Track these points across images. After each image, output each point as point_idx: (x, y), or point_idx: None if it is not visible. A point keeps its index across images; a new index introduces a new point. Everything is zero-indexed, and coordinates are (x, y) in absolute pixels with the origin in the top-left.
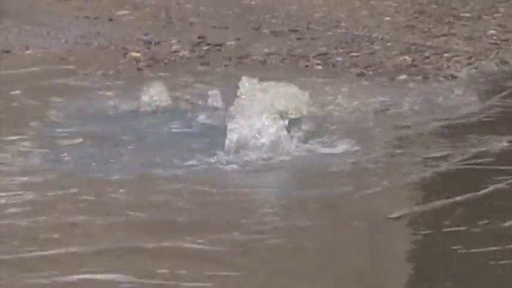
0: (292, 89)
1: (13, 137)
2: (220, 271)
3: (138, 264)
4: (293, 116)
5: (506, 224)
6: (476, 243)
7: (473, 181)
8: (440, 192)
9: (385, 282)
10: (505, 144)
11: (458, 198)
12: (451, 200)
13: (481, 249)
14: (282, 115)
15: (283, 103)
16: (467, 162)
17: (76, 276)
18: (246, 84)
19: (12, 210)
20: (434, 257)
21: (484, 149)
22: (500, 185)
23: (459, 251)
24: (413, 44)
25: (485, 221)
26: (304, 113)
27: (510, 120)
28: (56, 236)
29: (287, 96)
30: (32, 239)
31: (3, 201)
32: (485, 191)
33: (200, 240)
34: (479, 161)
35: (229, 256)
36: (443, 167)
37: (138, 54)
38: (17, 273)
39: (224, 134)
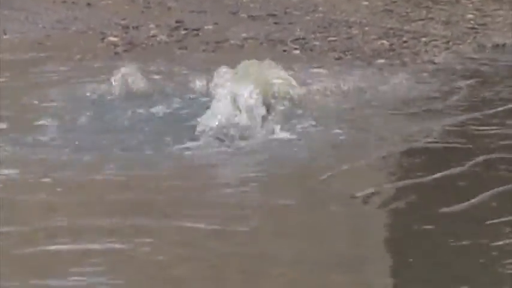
0: (270, 71)
1: None
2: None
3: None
4: (269, 100)
5: (472, 201)
6: (446, 222)
7: (440, 160)
8: (409, 171)
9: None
10: (479, 126)
11: (428, 177)
12: (419, 180)
13: (450, 230)
14: (259, 100)
15: (260, 88)
16: (434, 141)
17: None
18: (223, 73)
19: None
20: (407, 237)
21: (448, 128)
22: (465, 166)
23: (431, 230)
24: (391, 28)
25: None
26: (282, 97)
27: (476, 104)
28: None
29: (264, 80)
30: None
31: None
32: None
33: (177, 222)
34: (445, 140)
35: (206, 239)
36: (413, 145)
37: (115, 39)
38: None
39: (200, 119)
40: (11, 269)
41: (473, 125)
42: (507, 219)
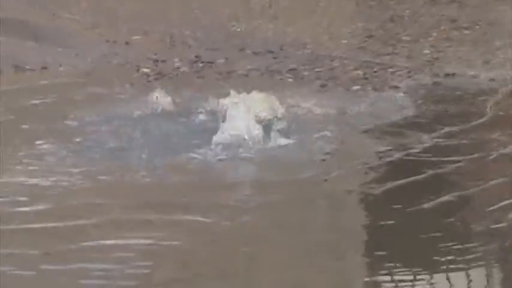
0: (269, 97)
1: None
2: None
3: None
4: (269, 117)
5: (439, 200)
6: (417, 218)
7: (412, 168)
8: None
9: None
10: (435, 140)
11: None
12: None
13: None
14: (261, 117)
15: (262, 108)
16: (407, 153)
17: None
18: (232, 96)
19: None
20: (383, 228)
21: (417, 143)
22: (433, 172)
23: (404, 222)
24: (364, 61)
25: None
26: (278, 115)
27: (438, 121)
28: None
29: (265, 103)
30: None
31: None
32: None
33: (190, 216)
34: (414, 152)
35: (214, 226)
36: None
37: (148, 70)
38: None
39: (214, 132)
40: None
41: (437, 138)
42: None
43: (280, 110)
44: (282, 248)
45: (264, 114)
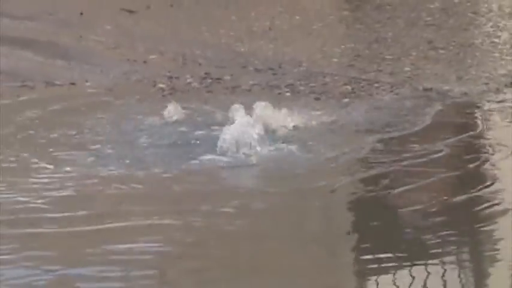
0: (270, 108)
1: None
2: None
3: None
4: (271, 127)
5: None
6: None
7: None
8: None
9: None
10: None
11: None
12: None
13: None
14: (264, 127)
15: (265, 118)
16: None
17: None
18: (237, 108)
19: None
20: (369, 219)
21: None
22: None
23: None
24: (353, 77)
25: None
26: (279, 124)
27: (424, 130)
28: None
29: (267, 113)
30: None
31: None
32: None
33: (198, 218)
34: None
35: (222, 226)
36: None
37: (163, 86)
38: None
39: (221, 141)
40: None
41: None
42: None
43: (281, 120)
44: (282, 250)
45: (267, 124)
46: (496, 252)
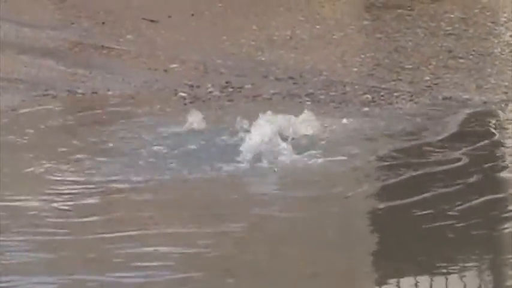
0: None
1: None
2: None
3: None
4: (292, 135)
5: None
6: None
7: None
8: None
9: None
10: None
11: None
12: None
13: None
14: (285, 135)
15: (286, 126)
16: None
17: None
18: (258, 117)
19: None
20: (386, 226)
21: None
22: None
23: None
24: (372, 86)
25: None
26: (301, 133)
27: (443, 139)
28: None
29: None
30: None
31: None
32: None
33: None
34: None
35: (243, 233)
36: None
37: (184, 94)
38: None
39: (243, 148)
40: None
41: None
42: None
43: (301, 129)
44: (300, 256)
45: (287, 132)
46: None
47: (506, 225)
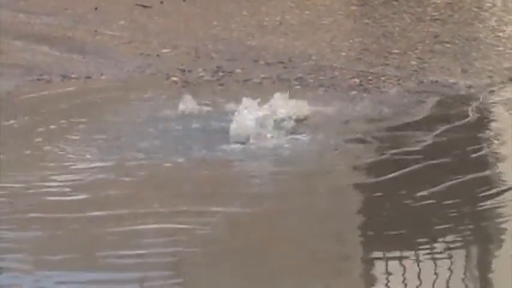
0: (281, 101)
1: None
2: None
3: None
4: (281, 117)
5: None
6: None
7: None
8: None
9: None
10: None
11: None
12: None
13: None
14: (273, 117)
15: (276, 108)
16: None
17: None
18: (249, 100)
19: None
20: (378, 216)
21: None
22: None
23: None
24: (360, 71)
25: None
26: (289, 115)
27: (426, 121)
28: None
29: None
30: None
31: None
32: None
33: (215, 207)
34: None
35: (235, 211)
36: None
37: (176, 79)
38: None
39: (233, 131)
40: None
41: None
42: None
43: (291, 111)
44: (293, 229)
45: (277, 115)
46: (500, 225)
47: (484, 203)
